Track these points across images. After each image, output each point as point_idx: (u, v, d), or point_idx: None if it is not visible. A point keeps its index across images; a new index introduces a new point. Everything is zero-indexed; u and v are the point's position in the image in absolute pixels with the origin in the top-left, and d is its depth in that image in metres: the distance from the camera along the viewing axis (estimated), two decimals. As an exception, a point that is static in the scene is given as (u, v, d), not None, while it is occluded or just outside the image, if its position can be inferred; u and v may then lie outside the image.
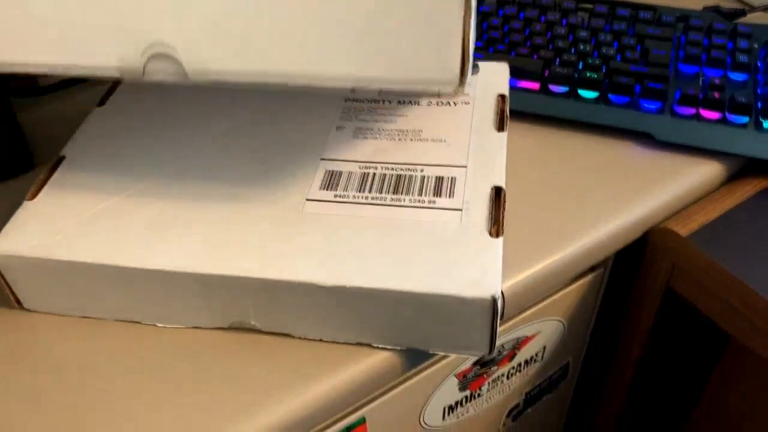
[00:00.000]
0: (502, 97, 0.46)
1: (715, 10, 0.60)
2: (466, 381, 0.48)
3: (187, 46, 0.32)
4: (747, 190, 0.48)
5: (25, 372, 0.36)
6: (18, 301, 0.39)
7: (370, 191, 0.38)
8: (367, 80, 0.32)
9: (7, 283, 0.38)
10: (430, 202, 0.37)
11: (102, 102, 0.46)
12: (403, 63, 0.31)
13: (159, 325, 0.38)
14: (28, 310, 0.39)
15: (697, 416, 0.59)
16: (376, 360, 0.37)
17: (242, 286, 0.35)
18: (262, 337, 0.37)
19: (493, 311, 0.33)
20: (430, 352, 0.37)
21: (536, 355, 0.52)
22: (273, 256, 0.35)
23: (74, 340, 0.38)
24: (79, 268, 0.36)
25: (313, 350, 0.37)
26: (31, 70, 0.34)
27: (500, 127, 0.44)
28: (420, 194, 0.38)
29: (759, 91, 0.50)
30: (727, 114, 0.49)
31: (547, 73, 0.51)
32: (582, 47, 0.53)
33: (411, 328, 0.35)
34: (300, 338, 0.37)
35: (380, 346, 0.37)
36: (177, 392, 0.35)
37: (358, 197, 0.38)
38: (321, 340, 0.37)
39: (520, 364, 0.52)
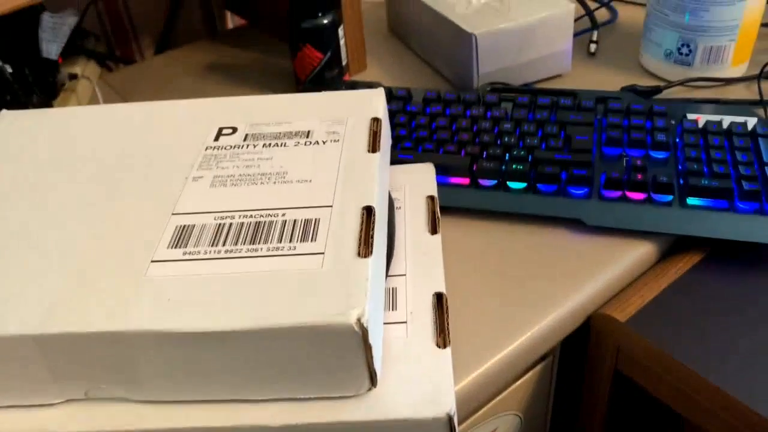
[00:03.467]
0: (431, 198, 0.47)
1: (632, 89, 0.63)
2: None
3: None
4: (680, 267, 0.48)
5: None
6: None
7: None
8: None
9: None
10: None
11: None
12: (319, 383, 0.33)
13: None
14: None
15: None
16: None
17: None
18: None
19: (450, 428, 0.33)
20: None
21: (496, 451, 0.51)
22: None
23: None
24: None
25: None
26: None
27: (433, 229, 0.44)
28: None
29: (680, 168, 0.52)
30: (651, 194, 0.50)
31: (475, 167, 0.53)
32: (507, 139, 0.55)
33: None
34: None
35: None
36: None
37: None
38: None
39: (481, 464, 0.51)
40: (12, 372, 0.33)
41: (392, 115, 0.58)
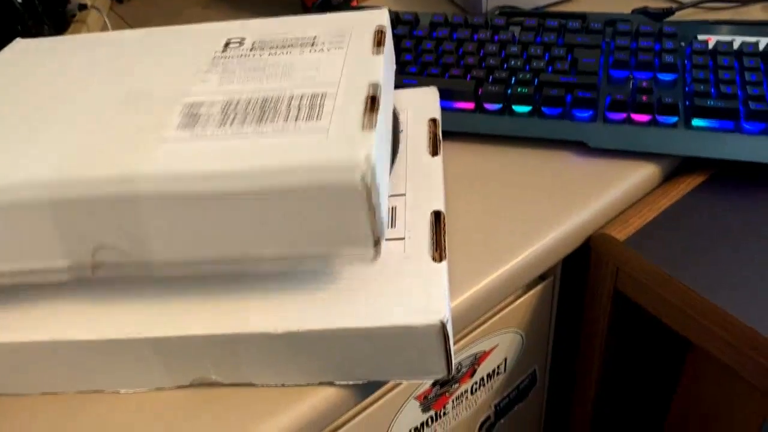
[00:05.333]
0: (433, 121, 0.47)
1: (644, 11, 0.62)
2: (427, 402, 0.49)
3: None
4: (681, 188, 0.49)
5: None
6: None
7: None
8: (298, 257, 0.34)
9: None
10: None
11: None
12: (326, 242, 0.33)
13: (122, 391, 0.38)
14: None
15: (672, 413, 0.60)
16: (325, 395, 0.37)
17: (194, 345, 0.35)
18: (224, 389, 0.38)
19: (444, 335, 0.34)
20: (391, 381, 0.37)
21: (498, 367, 0.53)
22: (220, 308, 0.35)
23: (37, 419, 0.38)
24: (32, 347, 0.36)
25: (273, 392, 0.37)
26: None
27: (434, 151, 0.45)
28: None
29: (686, 90, 0.51)
30: (656, 116, 0.50)
31: (480, 92, 0.53)
32: (513, 63, 0.54)
33: (369, 362, 0.36)
34: (262, 386, 0.38)
35: (341, 383, 0.37)
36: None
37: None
38: (284, 385, 0.37)
39: (482, 379, 0.52)
40: (21, 231, 0.34)
41: (398, 40, 0.58)
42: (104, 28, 0.73)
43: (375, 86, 0.36)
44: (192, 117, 0.36)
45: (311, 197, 0.32)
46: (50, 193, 0.33)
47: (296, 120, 0.34)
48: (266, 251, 0.34)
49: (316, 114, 0.35)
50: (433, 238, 0.38)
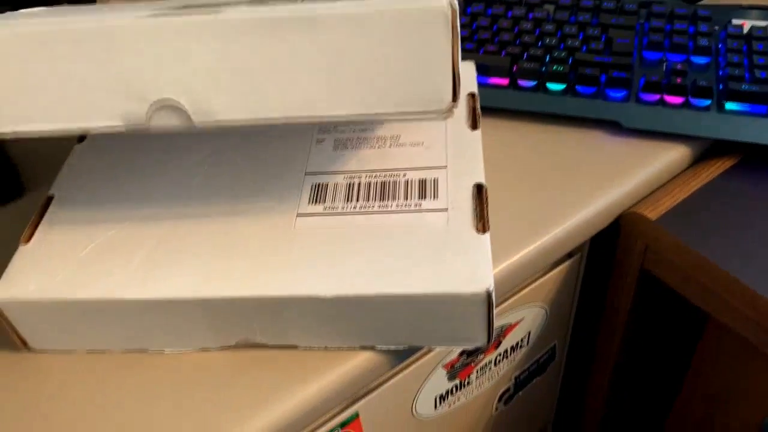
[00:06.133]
0: (471, 95, 0.48)
1: (678, -6, 0.62)
2: (454, 371, 0.50)
3: (192, 99, 0.33)
4: (712, 171, 0.49)
5: (35, 411, 0.38)
6: (24, 343, 0.40)
7: (357, 200, 0.40)
8: (369, 116, 0.34)
9: (12, 327, 0.38)
10: (416, 205, 0.39)
11: (80, 139, 0.47)
12: (400, 98, 0.33)
13: (167, 351, 0.39)
14: (35, 350, 0.40)
15: (683, 395, 0.62)
16: (364, 358, 0.39)
17: (244, 306, 0.36)
18: (267, 351, 0.39)
19: (488, 304, 0.35)
20: (432, 348, 0.39)
21: (521, 340, 0.54)
22: (271, 272, 0.36)
23: (84, 376, 0.39)
24: (82, 305, 0.37)
25: (315, 355, 0.39)
26: (36, 135, 0.35)
27: (474, 125, 0.45)
28: (406, 198, 0.39)
29: (720, 74, 0.52)
30: (690, 98, 0.50)
31: (515, 68, 0.53)
32: (548, 41, 0.55)
33: (412, 328, 0.37)
34: (305, 348, 0.39)
35: (383, 347, 0.38)
36: (185, 407, 0.37)
37: (347, 208, 0.39)
38: (326, 348, 0.39)
39: (506, 351, 0.54)
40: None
41: (433, 14, 0.58)
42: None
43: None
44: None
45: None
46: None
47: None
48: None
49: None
50: (476, 210, 0.38)
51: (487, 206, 0.39)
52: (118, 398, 0.38)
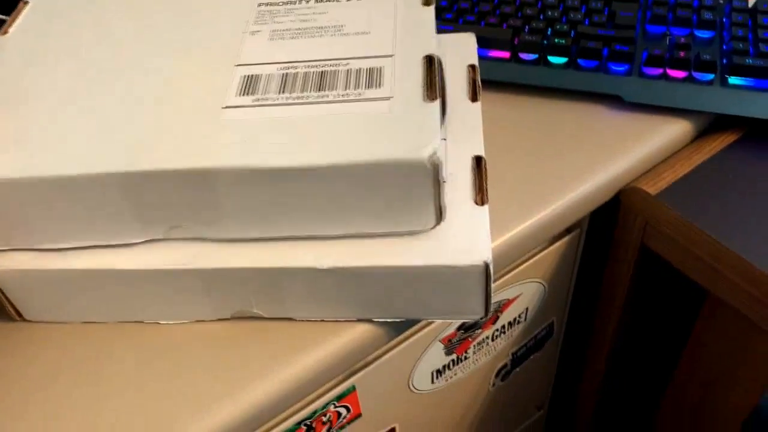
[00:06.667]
0: (472, 67, 0.47)
1: (682, -32, 0.61)
2: (451, 346, 0.50)
3: None
4: (714, 146, 0.49)
5: (31, 381, 0.38)
6: (19, 314, 0.39)
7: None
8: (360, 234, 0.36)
9: (6, 297, 0.38)
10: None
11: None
12: (388, 225, 0.35)
13: (162, 322, 0.39)
14: (30, 321, 0.40)
15: (679, 378, 0.62)
16: (361, 330, 0.38)
17: (241, 277, 0.36)
18: (264, 323, 0.38)
19: (486, 276, 0.35)
20: (429, 320, 0.38)
21: (519, 316, 0.54)
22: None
23: (79, 346, 0.39)
24: (76, 275, 0.36)
25: (312, 327, 0.38)
26: None
27: (473, 97, 0.45)
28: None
29: (724, 48, 0.51)
30: (693, 72, 0.50)
31: (516, 41, 0.52)
32: (550, 14, 0.54)
33: (409, 300, 0.37)
34: (302, 321, 0.38)
35: (380, 320, 0.38)
36: (181, 377, 0.37)
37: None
38: (323, 320, 0.38)
39: (504, 326, 0.54)
40: (97, 211, 0.35)
41: (434, -14, 0.57)
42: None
43: (430, 57, 0.37)
44: (251, 81, 0.37)
45: (378, 175, 0.33)
46: (128, 180, 0.34)
47: (356, 87, 0.36)
48: (330, 228, 0.35)
49: (375, 82, 0.36)
50: (474, 182, 0.38)
51: (486, 178, 0.38)
52: (114, 369, 0.37)
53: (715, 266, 0.44)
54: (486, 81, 0.52)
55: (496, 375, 0.59)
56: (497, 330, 0.53)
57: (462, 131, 0.42)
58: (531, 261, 0.50)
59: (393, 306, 0.37)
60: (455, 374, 0.53)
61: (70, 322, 0.40)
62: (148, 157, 0.33)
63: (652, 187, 0.47)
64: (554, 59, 0.52)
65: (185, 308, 0.38)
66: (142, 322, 0.39)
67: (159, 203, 0.34)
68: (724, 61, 0.50)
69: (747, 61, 0.48)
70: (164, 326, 0.39)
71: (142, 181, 0.33)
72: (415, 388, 0.50)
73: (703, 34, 0.52)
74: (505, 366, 0.58)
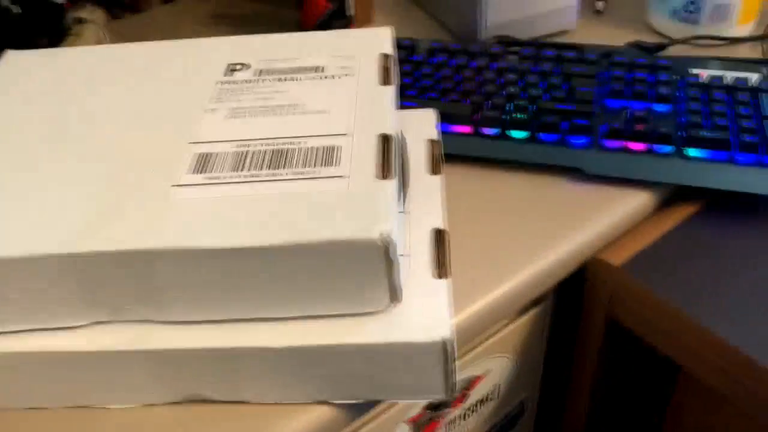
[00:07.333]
0: (432, 141, 0.47)
1: (637, 45, 0.63)
2: (417, 426, 0.48)
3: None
4: (676, 217, 0.49)
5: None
6: None
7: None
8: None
9: None
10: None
11: None
12: (341, 306, 0.34)
13: (110, 406, 0.37)
14: None
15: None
16: (318, 413, 0.37)
17: (191, 358, 0.34)
18: (216, 406, 0.37)
19: (446, 354, 0.34)
20: (389, 401, 0.36)
21: (490, 393, 0.53)
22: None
23: None
24: (16, 359, 0.35)
25: (267, 410, 0.36)
26: None
27: (435, 171, 0.45)
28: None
29: (681, 121, 0.52)
30: (652, 144, 0.50)
31: (478, 116, 0.53)
32: (511, 89, 0.55)
33: (367, 380, 0.35)
34: (257, 403, 0.37)
35: (339, 401, 0.36)
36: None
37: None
38: (278, 403, 0.36)
39: (474, 405, 0.52)
40: (42, 292, 0.34)
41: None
42: (101, 42, 0.73)
43: (386, 136, 0.37)
44: (204, 159, 0.37)
45: (329, 255, 0.32)
46: (71, 261, 0.32)
47: (314, 165, 0.36)
48: (281, 311, 0.34)
49: (333, 161, 0.36)
50: (435, 256, 0.37)
51: (448, 252, 0.38)
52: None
53: (680, 337, 0.44)
54: (449, 155, 0.52)
55: (469, 456, 0.56)
56: (468, 409, 0.51)
57: (424, 205, 0.42)
58: (499, 335, 0.49)
59: (351, 387, 0.35)
60: (424, 456, 0.51)
61: (11, 408, 0.37)
62: (92, 238, 0.32)
63: (617, 259, 0.46)
64: (515, 133, 0.52)
65: (134, 392, 0.36)
66: (91, 407, 0.37)
67: (103, 285, 0.33)
68: (682, 134, 0.51)
69: (702, 133, 0.49)
70: (113, 411, 0.37)
71: (85, 263, 0.32)
72: (382, 473, 0.48)
73: (661, 107, 0.54)
74: (477, 446, 0.56)
